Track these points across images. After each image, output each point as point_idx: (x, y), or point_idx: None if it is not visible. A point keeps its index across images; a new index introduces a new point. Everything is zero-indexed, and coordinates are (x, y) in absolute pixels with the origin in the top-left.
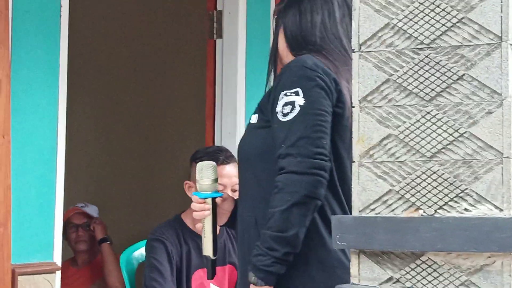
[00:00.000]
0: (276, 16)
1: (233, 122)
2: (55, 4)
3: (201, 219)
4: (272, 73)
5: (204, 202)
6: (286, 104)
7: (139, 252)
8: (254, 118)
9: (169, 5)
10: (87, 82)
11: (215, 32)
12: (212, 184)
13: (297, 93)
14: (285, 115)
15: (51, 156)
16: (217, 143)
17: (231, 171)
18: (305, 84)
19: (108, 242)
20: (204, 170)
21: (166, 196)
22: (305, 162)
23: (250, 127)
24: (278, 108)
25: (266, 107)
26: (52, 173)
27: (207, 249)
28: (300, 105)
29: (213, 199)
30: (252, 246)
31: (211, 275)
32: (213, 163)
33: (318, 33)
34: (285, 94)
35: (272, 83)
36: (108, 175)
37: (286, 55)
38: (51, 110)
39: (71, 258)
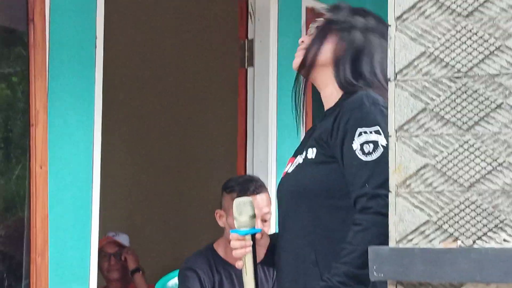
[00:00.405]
0: (325, 24)
1: (265, 151)
2: (90, 35)
3: (242, 256)
4: (303, 83)
5: (244, 239)
6: (366, 142)
7: (173, 281)
8: (311, 153)
9: (200, 34)
10: (121, 112)
11: (246, 61)
12: (251, 220)
13: (378, 132)
14: (366, 154)
15: (86, 186)
16: (248, 171)
17: (262, 201)
18: (384, 124)
19: (140, 272)
20: (242, 207)
21: (198, 224)
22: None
23: (307, 162)
24: (355, 146)
25: (327, 141)
26: (88, 202)
27: (249, 287)
28: (383, 146)
29: (252, 235)
30: (309, 284)
31: None
32: (250, 199)
33: (379, 71)
34: (364, 132)
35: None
36: (141, 204)
37: (326, 77)
38: (86, 140)
39: (104, 287)
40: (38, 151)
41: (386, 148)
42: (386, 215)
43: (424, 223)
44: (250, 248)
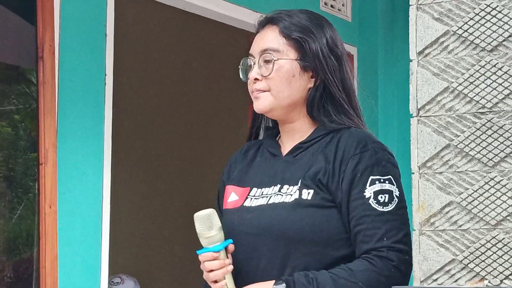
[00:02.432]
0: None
1: None
2: (100, 72)
3: (223, 276)
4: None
5: (219, 257)
6: (381, 192)
7: None
8: (306, 194)
9: (210, 71)
10: (131, 150)
11: None
12: (220, 232)
13: (391, 182)
14: (383, 204)
15: (96, 225)
16: None
17: None
18: (395, 173)
19: None
20: (211, 219)
21: None
22: (408, 264)
23: (301, 203)
24: (368, 194)
25: (326, 185)
26: (98, 242)
27: None
28: (397, 196)
29: (225, 248)
30: None
31: None
32: (212, 210)
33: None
34: (379, 181)
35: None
36: (150, 245)
37: (297, 113)
38: (96, 179)
39: None
40: (48, 190)
41: (400, 200)
42: (403, 274)
43: (449, 262)
44: (231, 265)
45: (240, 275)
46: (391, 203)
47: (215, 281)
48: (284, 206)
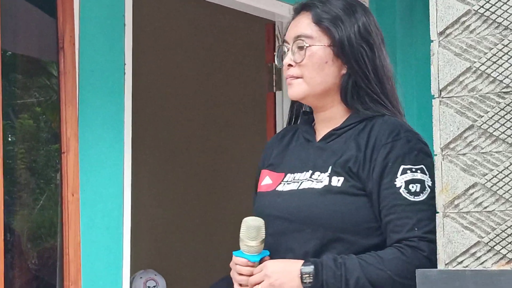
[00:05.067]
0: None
1: None
2: (119, 62)
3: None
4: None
5: (253, 266)
6: (412, 181)
7: None
8: (336, 181)
9: (228, 59)
10: (151, 138)
11: (274, 84)
12: (262, 245)
13: (423, 171)
14: (414, 194)
15: (118, 212)
16: None
17: None
18: (428, 162)
19: None
20: (254, 231)
21: (229, 254)
22: (435, 253)
23: (331, 190)
24: (399, 183)
25: (357, 173)
26: (119, 230)
27: None
28: (429, 186)
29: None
30: None
31: None
32: (262, 222)
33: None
34: (410, 170)
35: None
36: (172, 232)
37: (332, 100)
38: (117, 167)
39: None
40: (70, 179)
41: (431, 190)
42: (434, 264)
43: (475, 244)
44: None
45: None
46: (422, 193)
47: (240, 285)
48: (313, 192)
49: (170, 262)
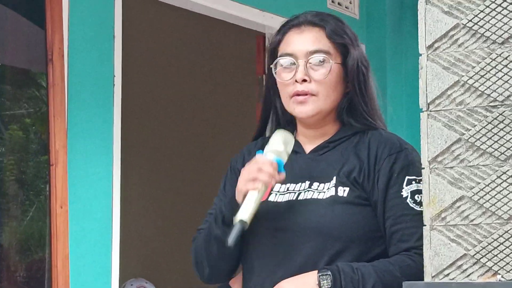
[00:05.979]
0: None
1: None
2: (109, 74)
3: (263, 184)
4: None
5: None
6: (418, 192)
7: None
8: (342, 191)
9: (218, 71)
10: (140, 150)
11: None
12: (287, 157)
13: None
14: (419, 204)
15: (106, 225)
16: None
17: None
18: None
19: None
20: (285, 141)
21: None
22: None
23: (338, 200)
24: (405, 194)
25: (361, 183)
26: (108, 242)
27: (245, 214)
28: None
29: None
30: None
31: (235, 240)
32: (293, 138)
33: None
34: (415, 181)
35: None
36: (160, 244)
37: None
38: (106, 179)
39: None
40: (59, 191)
41: None
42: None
43: (461, 257)
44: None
45: (274, 270)
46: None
47: (253, 180)
48: (319, 202)
49: (161, 270)
